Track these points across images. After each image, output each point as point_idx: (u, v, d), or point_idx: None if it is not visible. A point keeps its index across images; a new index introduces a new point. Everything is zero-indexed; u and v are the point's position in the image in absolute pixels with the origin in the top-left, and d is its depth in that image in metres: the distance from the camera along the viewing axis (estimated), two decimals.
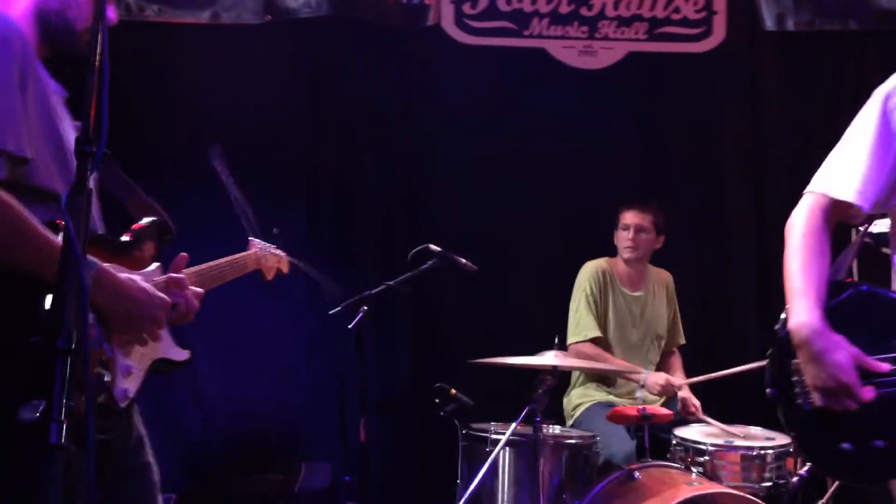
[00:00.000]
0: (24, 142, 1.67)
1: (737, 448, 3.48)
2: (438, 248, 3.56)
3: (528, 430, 3.24)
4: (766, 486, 3.40)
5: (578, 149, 4.65)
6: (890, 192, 1.93)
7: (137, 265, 1.89)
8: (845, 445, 1.87)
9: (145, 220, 1.97)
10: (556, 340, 3.51)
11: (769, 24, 4.65)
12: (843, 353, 1.85)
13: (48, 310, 1.48)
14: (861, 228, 2.18)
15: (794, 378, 1.92)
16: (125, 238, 1.91)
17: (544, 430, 3.32)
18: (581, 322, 4.10)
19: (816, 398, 1.88)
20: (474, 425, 3.54)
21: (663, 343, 4.26)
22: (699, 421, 3.86)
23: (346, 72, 4.63)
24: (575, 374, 4.20)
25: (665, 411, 3.65)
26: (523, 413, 3.19)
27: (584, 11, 4.70)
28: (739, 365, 3.88)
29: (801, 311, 1.89)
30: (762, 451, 3.44)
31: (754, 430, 3.71)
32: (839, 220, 2.02)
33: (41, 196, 1.71)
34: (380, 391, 4.35)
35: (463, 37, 4.66)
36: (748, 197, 4.81)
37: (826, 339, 1.86)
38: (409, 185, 4.70)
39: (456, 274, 3.64)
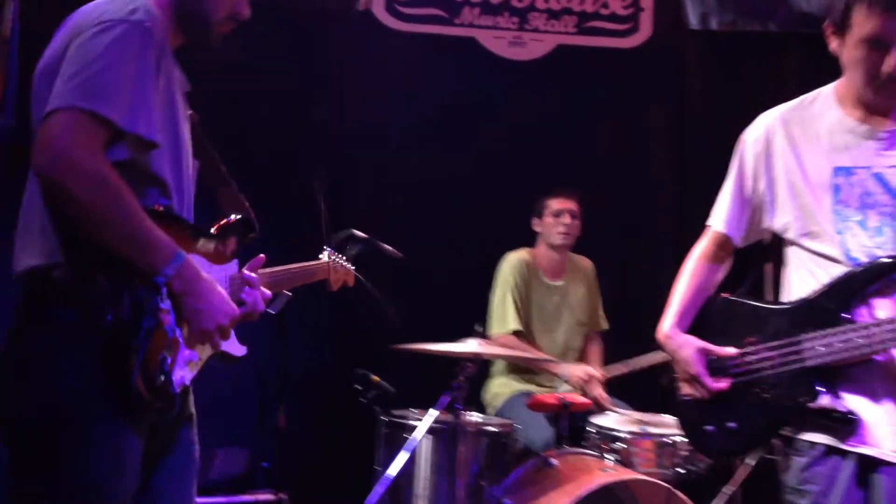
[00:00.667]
0: (155, 128, 1.76)
1: (650, 435, 3.55)
2: (363, 235, 3.54)
3: (448, 417, 3.26)
4: (678, 472, 3.48)
5: (505, 139, 4.68)
6: (756, 221, 2.24)
7: (219, 259, 1.97)
8: (708, 428, 2.21)
9: (234, 217, 2.04)
10: (478, 328, 3.53)
11: (693, 22, 4.78)
12: (688, 349, 2.22)
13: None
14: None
15: (673, 374, 2.30)
16: (213, 231, 1.99)
17: (464, 418, 3.35)
18: (504, 314, 4.13)
19: (684, 388, 2.25)
20: (395, 412, 3.55)
21: (585, 329, 4.33)
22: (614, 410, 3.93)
23: (274, 54, 4.56)
24: (495, 364, 4.23)
25: (583, 400, 3.71)
26: (443, 400, 3.20)
27: (514, 2, 4.73)
28: (659, 352, 3.97)
29: (665, 320, 2.31)
30: (675, 439, 3.52)
31: (667, 418, 3.80)
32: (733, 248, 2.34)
33: (152, 182, 1.80)
34: (300, 377, 4.32)
35: (393, 22, 4.64)
36: (671, 189, 4.92)
37: (674, 340, 2.27)
38: (334, 170, 4.66)
39: (380, 260, 3.62)
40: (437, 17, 4.69)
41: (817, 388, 2.02)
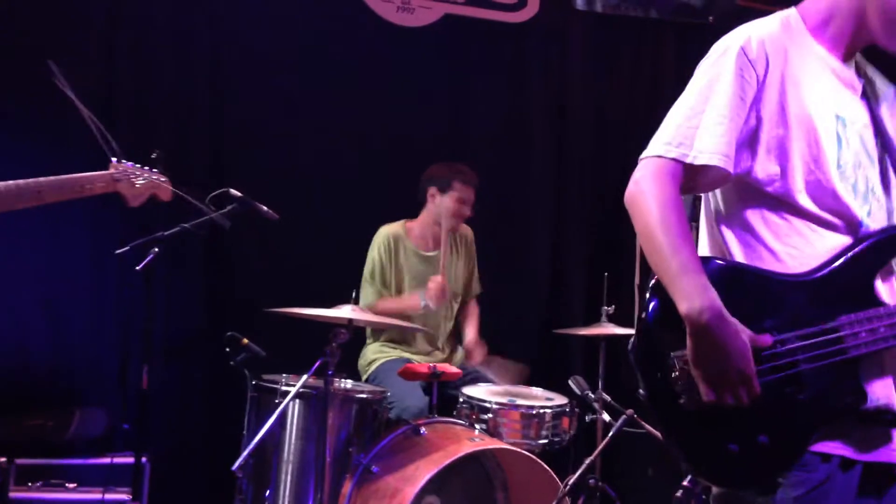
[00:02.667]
0: None
1: (518, 407, 3.64)
2: (238, 193, 3.45)
3: (320, 383, 3.23)
4: (543, 443, 3.59)
5: (389, 105, 4.64)
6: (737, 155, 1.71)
7: None
8: (732, 447, 1.63)
9: None
10: (353, 295, 3.51)
11: (580, 3, 4.95)
12: (742, 339, 1.59)
13: None
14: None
15: (675, 373, 1.64)
16: None
17: (335, 384, 3.32)
18: (367, 290, 4.12)
19: (705, 392, 1.60)
20: (265, 376, 3.48)
21: (460, 298, 4.35)
22: (483, 375, 4.00)
23: (148, 8, 4.35)
24: (370, 331, 4.21)
25: (454, 369, 3.75)
26: (315, 366, 3.17)
27: None
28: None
29: (695, 292, 1.58)
30: (541, 411, 3.62)
31: (536, 390, 3.90)
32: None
33: None
34: (167, 337, 4.18)
35: None
36: (549, 162, 5.01)
37: (728, 324, 1.58)
38: (211, 127, 4.50)
39: (256, 221, 3.54)
40: None
41: (863, 384, 1.63)
